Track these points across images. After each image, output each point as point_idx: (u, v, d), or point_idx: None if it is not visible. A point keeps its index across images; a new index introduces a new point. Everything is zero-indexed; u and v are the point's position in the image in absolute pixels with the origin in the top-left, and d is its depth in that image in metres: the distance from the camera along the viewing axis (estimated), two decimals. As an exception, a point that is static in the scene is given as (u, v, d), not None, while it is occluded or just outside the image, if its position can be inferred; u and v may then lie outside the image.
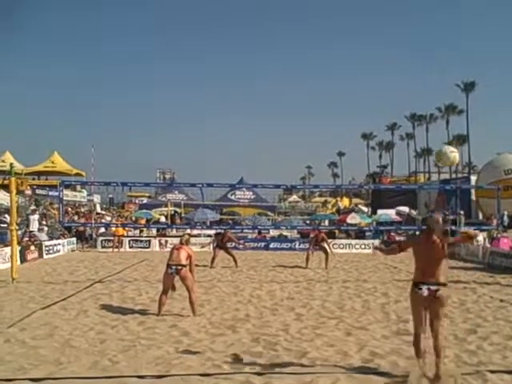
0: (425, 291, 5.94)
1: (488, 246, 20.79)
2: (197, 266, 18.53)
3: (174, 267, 9.91)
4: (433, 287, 5.92)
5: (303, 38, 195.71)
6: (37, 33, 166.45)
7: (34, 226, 24.37)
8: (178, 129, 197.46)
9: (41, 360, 6.86)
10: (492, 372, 6.30)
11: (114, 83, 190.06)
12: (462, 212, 26.46)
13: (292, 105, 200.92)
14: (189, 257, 10.02)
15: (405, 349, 7.44)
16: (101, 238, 27.73)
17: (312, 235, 20.44)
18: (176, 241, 27.32)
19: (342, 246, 26.61)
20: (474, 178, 34.05)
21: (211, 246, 20.59)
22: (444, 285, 5.95)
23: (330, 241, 26.51)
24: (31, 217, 25.01)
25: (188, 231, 29.57)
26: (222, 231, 20.32)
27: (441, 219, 6.34)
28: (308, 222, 40.02)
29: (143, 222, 33.13)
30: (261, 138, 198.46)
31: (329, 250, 18.93)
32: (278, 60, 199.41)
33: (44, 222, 26.84)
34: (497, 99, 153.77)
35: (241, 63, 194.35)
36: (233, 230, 28.36)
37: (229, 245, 19.78)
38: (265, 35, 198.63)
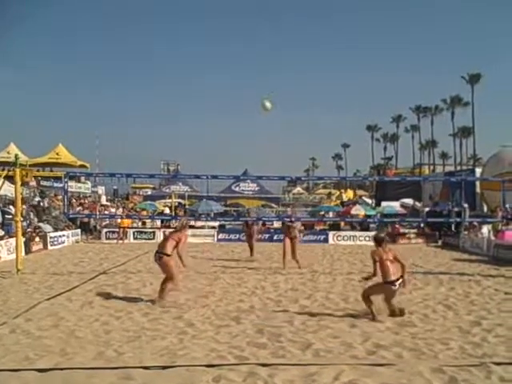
0: (396, 285, 8.92)
1: (493, 238, 20.75)
2: (194, 257, 18.60)
3: (157, 254, 10.44)
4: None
5: (305, 30, 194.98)
6: (40, 23, 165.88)
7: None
8: (182, 121, 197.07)
9: (46, 350, 6.88)
10: (497, 364, 6.28)
11: (118, 75, 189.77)
12: (465, 205, 26.48)
13: (297, 96, 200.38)
14: (178, 243, 10.45)
15: (409, 340, 7.46)
16: (105, 230, 27.83)
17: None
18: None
19: (346, 238, 26.65)
20: (478, 171, 33.99)
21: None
22: None
23: (333, 232, 26.74)
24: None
25: (192, 223, 29.69)
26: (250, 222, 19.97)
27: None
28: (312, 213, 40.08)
29: (145, 213, 33.16)
30: (265, 130, 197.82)
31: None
32: (282, 51, 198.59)
33: (54, 214, 26.89)
34: (502, 91, 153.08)
35: (244, 54, 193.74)
36: (236, 222, 28.51)
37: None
38: (267, 28, 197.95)
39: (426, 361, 6.48)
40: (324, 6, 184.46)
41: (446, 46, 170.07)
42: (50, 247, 22.19)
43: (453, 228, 26.57)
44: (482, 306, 10.08)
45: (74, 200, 33.17)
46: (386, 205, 33.10)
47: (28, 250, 19.73)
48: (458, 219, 23.87)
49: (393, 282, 8.85)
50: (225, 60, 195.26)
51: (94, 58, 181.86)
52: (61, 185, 29.39)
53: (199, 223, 29.86)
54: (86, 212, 30.18)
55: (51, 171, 41.58)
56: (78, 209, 30.66)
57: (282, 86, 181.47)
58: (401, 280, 8.95)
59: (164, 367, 6.20)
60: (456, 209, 28.10)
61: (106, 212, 32.56)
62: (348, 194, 57.89)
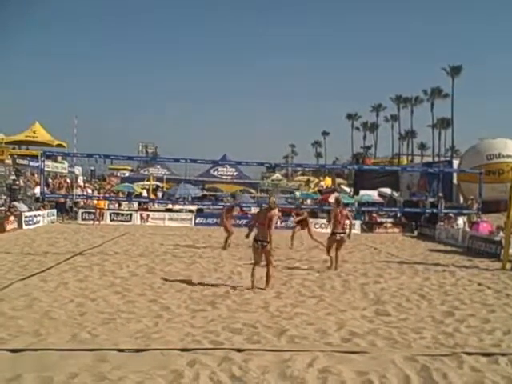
0: (337, 236, 13.12)
1: (468, 230, 20.99)
2: (178, 245, 18.54)
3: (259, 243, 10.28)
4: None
5: (290, 18, 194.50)
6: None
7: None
8: (163, 104, 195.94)
9: (20, 331, 6.82)
10: (468, 354, 6.37)
11: (99, 56, 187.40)
12: (440, 195, 26.79)
13: (278, 83, 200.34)
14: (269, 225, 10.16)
15: (383, 329, 7.54)
16: (81, 211, 27.54)
17: (294, 214, 20.15)
18: (158, 215, 27.37)
19: (323, 226, 26.64)
20: (456, 162, 34.29)
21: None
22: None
23: (311, 220, 26.73)
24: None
25: (170, 206, 29.50)
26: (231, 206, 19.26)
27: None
28: (290, 200, 40.14)
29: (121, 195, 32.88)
30: (246, 116, 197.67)
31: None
32: (264, 37, 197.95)
33: (29, 193, 26.57)
34: (482, 85, 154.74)
35: (229, 41, 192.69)
36: (214, 207, 28.43)
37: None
38: (252, 15, 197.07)
39: (400, 349, 6.55)
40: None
41: (429, 36, 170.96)
42: (24, 227, 21.92)
43: (422, 219, 26.78)
44: (456, 297, 10.21)
45: (51, 180, 32.74)
46: (363, 193, 33.24)
47: (2, 229, 19.52)
48: (435, 210, 24.07)
49: (335, 234, 13.10)
50: (206, 45, 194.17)
51: (72, 37, 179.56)
52: (37, 164, 28.99)
53: (177, 207, 29.75)
54: (63, 192, 29.85)
55: (27, 150, 40.98)
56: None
57: (264, 73, 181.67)
58: (344, 234, 13.14)
59: (138, 350, 6.18)
60: (431, 199, 28.37)
61: (84, 193, 32.25)
62: (327, 182, 58.01)
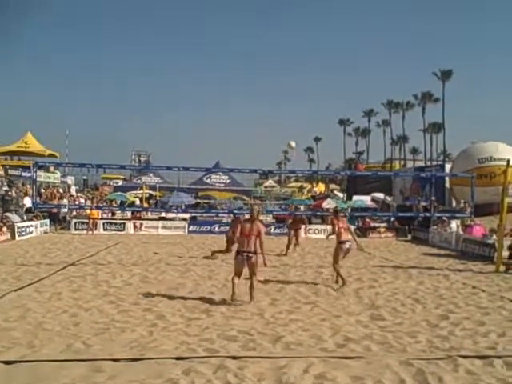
0: (347, 244, 11.68)
1: (461, 233, 21.04)
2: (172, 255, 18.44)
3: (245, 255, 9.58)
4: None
5: (281, 25, 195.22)
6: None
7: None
8: (154, 111, 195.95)
9: (13, 342, 6.78)
10: (463, 357, 6.38)
11: (91, 64, 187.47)
12: (433, 198, 26.89)
13: (269, 89, 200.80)
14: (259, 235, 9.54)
15: (378, 333, 7.55)
16: (74, 220, 27.41)
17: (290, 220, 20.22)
18: (151, 224, 27.31)
19: (317, 232, 26.68)
20: (448, 166, 34.41)
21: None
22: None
23: (304, 225, 26.74)
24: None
25: (163, 214, 29.45)
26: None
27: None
28: (283, 206, 40.14)
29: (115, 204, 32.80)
30: (237, 122, 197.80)
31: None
32: (257, 43, 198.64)
33: (21, 203, 26.48)
34: (473, 89, 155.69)
35: (220, 47, 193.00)
36: (208, 214, 28.39)
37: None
38: (241, 22, 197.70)
39: (395, 354, 6.56)
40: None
41: (419, 41, 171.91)
42: (17, 237, 21.78)
43: (415, 223, 26.85)
44: (450, 300, 10.23)
45: (43, 190, 32.62)
46: (356, 199, 33.29)
47: (-5, 240, 19.44)
48: (427, 214, 24.11)
49: (344, 242, 11.62)
50: (198, 52, 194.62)
51: (63, 46, 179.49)
52: (29, 174, 28.89)
53: (170, 215, 29.67)
54: (56, 202, 29.70)
55: (19, 160, 40.83)
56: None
57: (255, 78, 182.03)
58: (350, 242, 11.73)
59: (134, 360, 6.15)
60: (424, 203, 28.46)
61: (76, 202, 32.13)
62: (320, 188, 58.09)
